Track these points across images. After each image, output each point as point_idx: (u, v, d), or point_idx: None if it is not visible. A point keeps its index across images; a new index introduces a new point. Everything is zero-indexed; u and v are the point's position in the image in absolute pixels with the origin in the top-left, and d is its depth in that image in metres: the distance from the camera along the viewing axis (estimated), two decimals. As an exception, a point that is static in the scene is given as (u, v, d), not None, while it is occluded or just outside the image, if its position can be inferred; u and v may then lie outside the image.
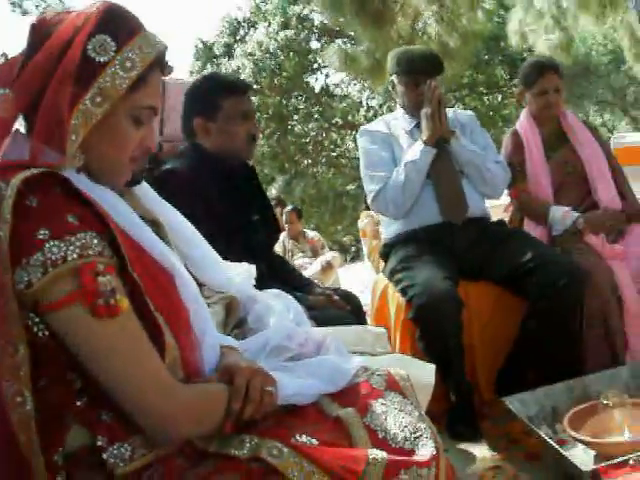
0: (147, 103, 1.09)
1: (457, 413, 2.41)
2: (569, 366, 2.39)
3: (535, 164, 2.84)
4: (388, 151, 2.72)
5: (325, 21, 15.11)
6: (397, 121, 2.81)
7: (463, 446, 2.30)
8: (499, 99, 16.53)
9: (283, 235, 6.51)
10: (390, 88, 2.89)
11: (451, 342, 2.32)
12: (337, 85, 17.62)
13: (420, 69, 2.65)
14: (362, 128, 2.92)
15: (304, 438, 1.03)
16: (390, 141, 2.74)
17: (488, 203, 2.80)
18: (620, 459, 1.70)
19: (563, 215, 2.70)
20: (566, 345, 2.43)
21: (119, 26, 1.05)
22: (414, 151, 2.60)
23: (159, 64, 1.10)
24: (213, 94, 2.17)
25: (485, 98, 16.35)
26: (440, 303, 2.27)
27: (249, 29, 17.36)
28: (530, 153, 2.85)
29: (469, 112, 3.02)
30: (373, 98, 16.73)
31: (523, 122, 2.94)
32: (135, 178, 1.19)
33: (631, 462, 1.66)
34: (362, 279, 5.84)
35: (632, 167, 4.44)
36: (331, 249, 6.92)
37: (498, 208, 3.18)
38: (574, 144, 2.87)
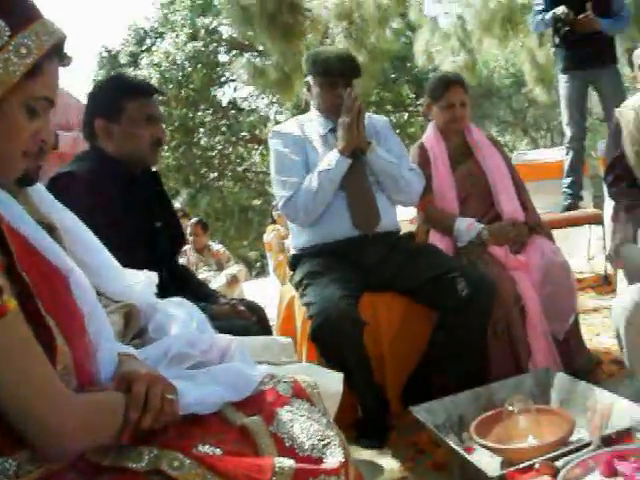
0: (43, 93, 1.03)
1: (365, 424, 2.43)
2: (476, 375, 2.45)
3: (441, 176, 2.90)
4: (300, 155, 2.67)
5: (234, 34, 15.11)
6: (311, 123, 2.77)
7: (371, 457, 2.31)
8: (405, 117, 17.02)
9: (187, 248, 6.40)
10: (305, 90, 2.83)
11: (350, 361, 2.31)
12: (245, 99, 17.65)
13: (337, 71, 2.62)
14: (274, 129, 2.86)
15: (207, 448, 1.00)
16: (303, 144, 2.70)
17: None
18: (525, 464, 1.73)
19: (468, 227, 2.77)
20: (473, 355, 2.50)
21: (15, 11, 0.99)
22: (329, 160, 2.58)
23: (57, 53, 1.04)
24: (117, 95, 2.09)
25: (392, 116, 16.77)
26: (338, 324, 2.26)
27: (156, 39, 17.15)
28: (436, 166, 2.91)
29: (383, 118, 3.01)
30: (281, 113, 16.83)
31: (429, 135, 3.00)
32: (29, 176, 1.11)
33: (536, 466, 1.70)
34: (268, 293, 5.81)
35: (532, 182, 4.66)
36: (237, 263, 6.84)
37: (403, 222, 3.23)
38: (478, 157, 2.96)
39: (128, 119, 2.08)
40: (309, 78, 2.74)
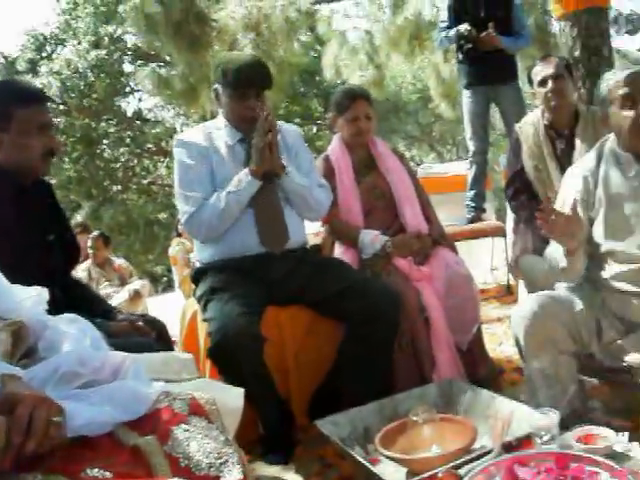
0: None
1: (269, 440, 2.41)
2: (382, 387, 2.47)
3: (346, 189, 2.91)
4: (206, 166, 2.58)
5: (139, 43, 14.84)
6: (220, 132, 2.67)
7: (277, 473, 2.29)
8: (314, 130, 17.17)
9: (88, 263, 6.21)
10: (213, 96, 2.71)
11: (250, 378, 2.26)
12: (150, 110, 17.33)
13: (247, 82, 2.54)
14: (178, 137, 2.73)
15: (96, 472, 0.96)
16: (209, 155, 2.60)
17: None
18: (429, 473, 1.76)
19: (372, 239, 2.81)
20: (380, 367, 2.53)
21: None
22: (239, 180, 2.51)
23: None
24: (5, 102, 1.99)
25: (300, 130, 16.87)
26: (236, 341, 2.22)
27: (56, 46, 16.61)
28: (341, 178, 2.93)
29: (294, 128, 2.94)
30: (188, 125, 16.64)
31: (335, 148, 3.02)
32: None
33: (439, 475, 1.73)
34: (173, 309, 5.69)
35: (437, 195, 4.78)
36: (140, 278, 6.68)
37: (309, 235, 3.24)
38: (383, 170, 2.99)
39: (18, 128, 1.99)
40: (218, 87, 2.64)
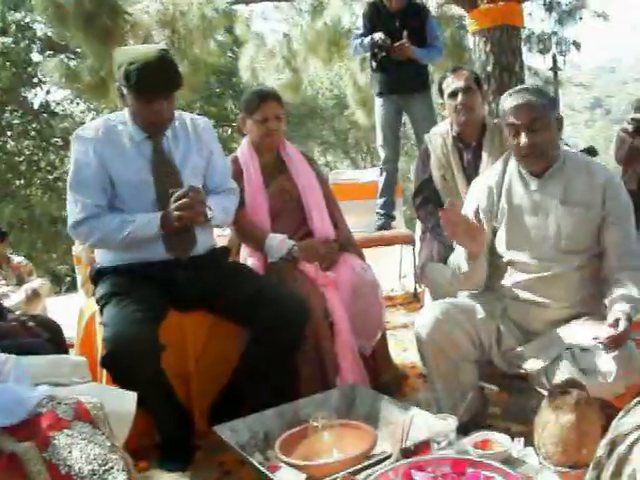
0: None
1: (167, 446, 2.36)
2: (286, 392, 2.47)
3: (253, 192, 2.88)
4: (102, 168, 2.43)
5: (49, 33, 14.32)
6: (125, 127, 2.50)
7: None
8: (229, 132, 17.05)
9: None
10: (117, 92, 2.50)
11: (145, 385, 2.16)
12: (59, 103, 16.73)
13: (154, 87, 2.36)
14: (78, 131, 2.53)
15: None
16: (110, 153, 2.45)
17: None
18: (328, 479, 1.76)
19: (279, 243, 2.79)
20: (284, 372, 2.52)
21: None
22: (147, 225, 2.39)
23: None
24: None
25: (215, 131, 16.71)
26: (131, 348, 2.14)
27: (-40, 32, 15.81)
28: (249, 180, 2.89)
29: (206, 121, 2.76)
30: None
31: (244, 149, 2.98)
32: None
33: (339, 480, 1.73)
34: (76, 310, 5.50)
35: (347, 201, 4.82)
36: (41, 278, 6.41)
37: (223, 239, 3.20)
38: (292, 173, 2.98)
39: None
40: (121, 87, 2.41)
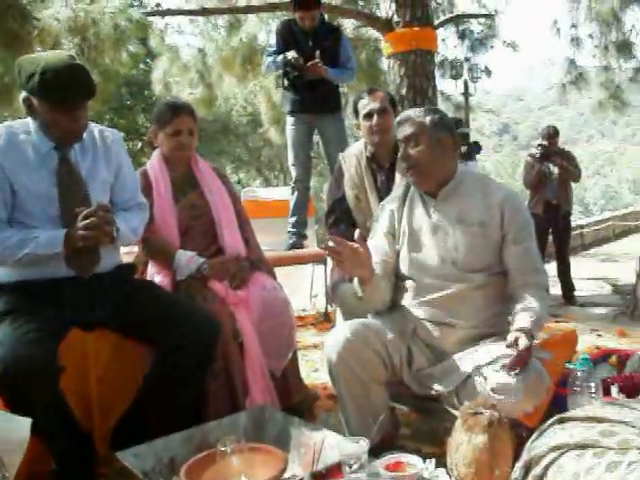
0: None
1: (64, 473, 2.24)
2: (192, 416, 2.40)
3: (163, 207, 2.81)
4: (2, 178, 2.30)
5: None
6: (28, 137, 2.37)
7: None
8: (139, 146, 16.74)
9: None
10: (23, 102, 2.34)
11: (43, 410, 2.05)
12: (-42, 109, 15.98)
13: (74, 96, 2.27)
14: None
15: None
16: (12, 166, 2.31)
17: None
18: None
19: (188, 260, 2.73)
20: (191, 395, 2.45)
21: None
22: (52, 243, 2.26)
23: None
24: None
25: (125, 144, 16.38)
26: (25, 372, 2.00)
27: None
28: (159, 195, 2.82)
29: (115, 133, 2.65)
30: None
31: (154, 162, 2.91)
32: None
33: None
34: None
35: (259, 219, 4.80)
36: None
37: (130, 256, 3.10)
38: (203, 189, 2.92)
39: None
40: (30, 97, 2.29)
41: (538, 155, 6.57)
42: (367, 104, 3.16)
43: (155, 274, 2.79)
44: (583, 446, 1.06)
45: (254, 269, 2.91)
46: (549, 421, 1.25)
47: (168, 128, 2.84)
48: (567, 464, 1.06)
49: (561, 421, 1.20)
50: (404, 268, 2.42)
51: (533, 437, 1.22)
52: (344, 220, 3.19)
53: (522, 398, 2.02)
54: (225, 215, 2.92)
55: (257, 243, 3.09)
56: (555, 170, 6.51)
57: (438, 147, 2.34)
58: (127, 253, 2.95)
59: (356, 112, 3.24)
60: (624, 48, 10.55)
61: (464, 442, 1.79)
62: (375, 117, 3.12)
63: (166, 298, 2.53)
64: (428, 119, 2.35)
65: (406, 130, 2.36)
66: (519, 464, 1.17)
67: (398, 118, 2.42)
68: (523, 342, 2.03)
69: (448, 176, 2.39)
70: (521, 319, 2.16)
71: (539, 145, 6.64)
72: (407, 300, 2.41)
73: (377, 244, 2.46)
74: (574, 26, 10.98)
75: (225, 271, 2.78)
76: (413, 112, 2.40)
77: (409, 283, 2.40)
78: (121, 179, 2.55)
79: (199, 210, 2.90)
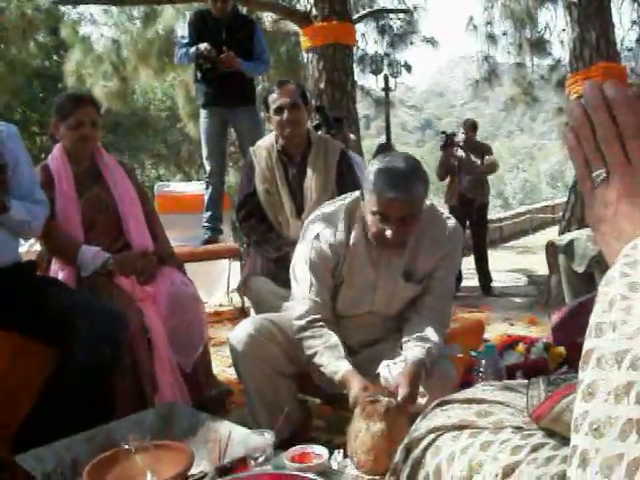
0: None
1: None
2: (100, 415, 2.36)
3: (65, 201, 2.75)
4: None
5: None
6: None
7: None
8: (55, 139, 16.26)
9: None
10: None
11: None
12: None
13: None
14: None
15: None
16: None
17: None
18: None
19: (94, 255, 2.68)
20: (98, 393, 2.41)
21: None
22: None
23: None
24: None
25: (37, 138, 15.91)
26: None
27: None
28: (61, 189, 2.76)
29: (13, 128, 2.59)
30: None
31: (56, 155, 2.84)
32: None
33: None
34: None
35: (174, 215, 4.76)
36: None
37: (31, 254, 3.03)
38: (108, 183, 2.88)
39: None
40: None
41: (442, 143, 6.76)
42: (277, 98, 3.15)
43: (59, 271, 2.73)
44: (460, 427, 1.10)
45: (162, 264, 2.88)
46: (432, 404, 1.30)
47: (70, 120, 2.78)
48: (444, 445, 1.10)
49: (442, 404, 1.25)
50: (341, 302, 2.37)
51: (417, 420, 1.26)
52: (255, 214, 3.19)
53: (428, 397, 2.07)
54: (131, 209, 2.88)
55: (166, 238, 3.06)
56: (471, 163, 6.69)
57: (419, 217, 2.19)
58: (27, 252, 2.87)
59: (266, 105, 3.23)
60: (538, 46, 10.92)
61: (362, 430, 1.83)
62: (286, 112, 3.12)
63: (70, 295, 2.47)
64: (420, 190, 2.11)
65: (402, 211, 2.08)
66: (400, 446, 1.21)
67: (390, 195, 2.06)
68: (403, 392, 1.98)
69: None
70: (415, 348, 2.16)
71: (442, 132, 6.84)
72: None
73: (321, 280, 2.31)
74: (489, 23, 11.31)
75: (132, 266, 2.73)
76: (412, 184, 2.09)
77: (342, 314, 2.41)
78: (17, 175, 2.46)
79: (104, 204, 2.85)
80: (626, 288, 0.59)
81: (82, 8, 12.84)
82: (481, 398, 1.18)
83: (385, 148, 6.35)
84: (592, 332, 0.60)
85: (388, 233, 2.09)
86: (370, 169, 2.14)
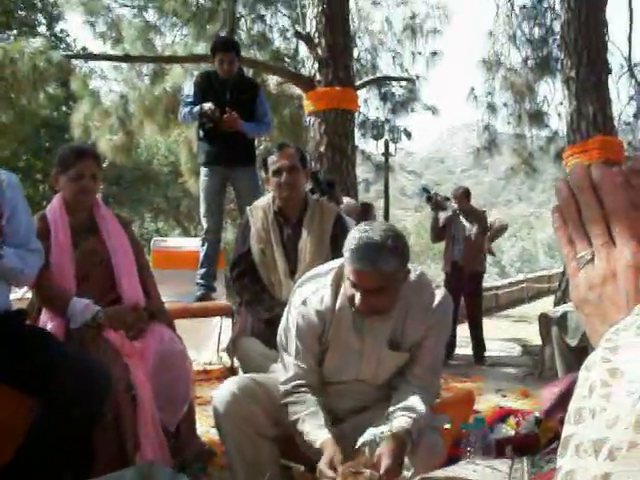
0: None
1: None
2: (79, 470, 2.32)
3: (60, 252, 2.76)
4: None
5: None
6: None
7: None
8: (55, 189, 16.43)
9: None
10: None
11: None
12: None
13: None
14: None
15: None
16: None
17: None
18: None
19: (84, 308, 2.67)
20: (78, 447, 2.37)
21: None
22: None
23: None
24: None
25: (40, 186, 16.05)
26: None
27: None
28: (57, 240, 2.76)
29: (14, 177, 2.58)
30: None
31: (54, 206, 2.86)
32: None
33: None
34: None
35: (168, 270, 4.76)
36: None
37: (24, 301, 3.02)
38: (103, 235, 2.89)
39: None
40: None
41: (431, 207, 6.80)
42: (276, 161, 3.18)
43: (48, 321, 2.71)
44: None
45: (152, 320, 2.87)
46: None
47: (71, 171, 2.81)
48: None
49: (423, 481, 1.23)
50: (327, 368, 2.33)
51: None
52: (248, 274, 3.20)
53: (413, 470, 2.03)
54: (125, 263, 2.89)
55: (158, 293, 3.06)
56: (465, 230, 6.69)
57: (398, 289, 2.17)
58: (20, 299, 2.87)
59: (265, 167, 3.27)
60: (537, 118, 11.13)
61: (344, 500, 1.79)
62: (284, 174, 3.15)
63: (56, 347, 2.45)
64: (394, 264, 2.07)
65: (370, 283, 2.06)
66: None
67: (358, 266, 2.05)
68: (385, 464, 1.92)
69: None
70: (401, 418, 2.11)
71: (423, 188, 6.88)
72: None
73: (308, 346, 2.30)
74: (490, 94, 11.54)
75: (122, 321, 2.72)
76: (382, 258, 2.04)
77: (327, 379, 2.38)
78: (13, 224, 2.48)
79: (98, 256, 2.86)
80: (607, 374, 0.58)
81: (93, 63, 13.08)
82: (463, 477, 1.16)
83: (366, 208, 6.36)
84: (571, 418, 0.59)
85: (357, 301, 2.08)
86: (350, 235, 2.13)
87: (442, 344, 2.37)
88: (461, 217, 6.71)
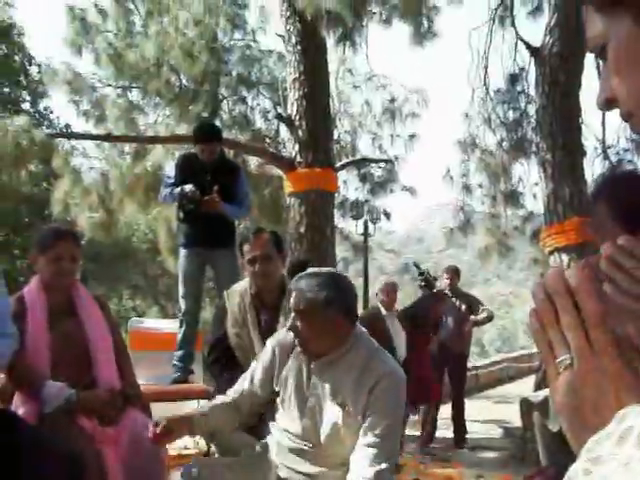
0: None
1: None
2: None
3: (36, 334, 2.73)
4: None
5: None
6: None
7: None
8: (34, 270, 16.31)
9: None
10: None
11: None
12: None
13: None
14: None
15: None
16: None
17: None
18: None
19: (57, 391, 2.62)
20: None
21: None
22: None
23: None
24: None
25: (18, 262, 15.92)
26: None
27: None
28: (33, 321, 2.74)
29: None
30: None
31: (32, 287, 2.85)
32: None
33: None
34: None
35: (145, 352, 4.69)
36: None
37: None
38: (81, 316, 2.87)
39: None
40: None
41: (420, 283, 6.74)
42: (250, 250, 3.21)
43: (20, 405, 2.65)
44: None
45: (127, 404, 2.81)
46: None
47: (50, 253, 2.81)
48: None
49: None
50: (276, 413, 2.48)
51: None
52: (224, 358, 3.18)
53: None
54: (101, 345, 2.85)
55: (134, 376, 3.01)
56: (454, 311, 6.65)
57: (327, 325, 2.25)
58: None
59: (242, 252, 3.28)
60: (512, 197, 11.31)
61: None
62: (257, 264, 3.17)
63: (28, 433, 2.39)
64: (322, 297, 2.22)
65: (298, 305, 2.26)
66: None
67: (292, 287, 2.33)
68: None
69: (333, 349, 2.30)
70: None
71: (414, 264, 6.84)
72: (273, 450, 2.45)
73: (256, 375, 2.52)
74: (465, 175, 11.75)
75: (97, 405, 2.66)
76: (308, 285, 2.26)
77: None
78: None
79: (74, 339, 2.82)
80: None
81: (75, 141, 13.21)
82: None
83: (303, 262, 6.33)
84: None
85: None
86: None
87: (391, 421, 2.23)
88: (452, 297, 6.68)
